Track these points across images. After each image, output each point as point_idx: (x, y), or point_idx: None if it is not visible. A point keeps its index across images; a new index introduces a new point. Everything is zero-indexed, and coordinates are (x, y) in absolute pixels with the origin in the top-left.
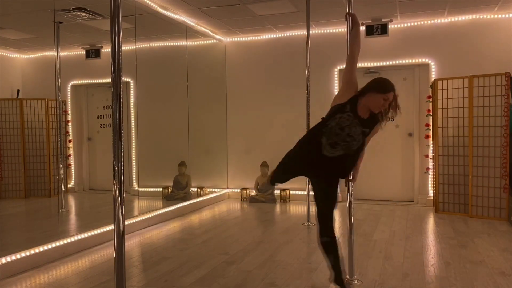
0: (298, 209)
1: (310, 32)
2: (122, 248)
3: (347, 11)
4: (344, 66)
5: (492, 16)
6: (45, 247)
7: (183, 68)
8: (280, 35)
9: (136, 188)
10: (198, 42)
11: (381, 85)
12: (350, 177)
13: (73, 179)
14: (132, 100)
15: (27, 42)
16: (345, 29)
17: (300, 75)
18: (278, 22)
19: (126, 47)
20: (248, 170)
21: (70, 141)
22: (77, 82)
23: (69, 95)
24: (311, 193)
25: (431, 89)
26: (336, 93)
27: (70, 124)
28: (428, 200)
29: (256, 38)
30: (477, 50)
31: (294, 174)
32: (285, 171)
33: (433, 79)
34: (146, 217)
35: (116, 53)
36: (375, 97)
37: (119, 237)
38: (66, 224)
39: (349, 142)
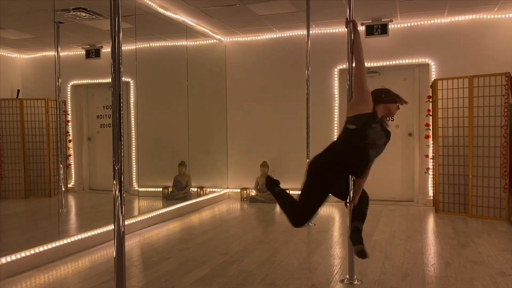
0: None
1: (310, 32)
2: (122, 248)
3: (347, 16)
4: (347, 67)
5: (492, 16)
6: (45, 247)
7: (183, 68)
8: (280, 35)
9: (136, 188)
10: (198, 42)
11: (394, 96)
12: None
13: (73, 179)
14: (132, 100)
15: (27, 42)
16: (345, 29)
17: (300, 75)
18: (278, 22)
19: (126, 47)
20: (248, 170)
21: (70, 141)
22: (77, 82)
23: (69, 95)
24: None
25: (431, 89)
26: (351, 101)
27: (70, 124)
28: (428, 200)
29: (256, 38)
30: (477, 50)
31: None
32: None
33: (433, 79)
34: (146, 217)
35: (116, 53)
36: (391, 106)
37: (119, 237)
38: (66, 224)
39: (380, 152)
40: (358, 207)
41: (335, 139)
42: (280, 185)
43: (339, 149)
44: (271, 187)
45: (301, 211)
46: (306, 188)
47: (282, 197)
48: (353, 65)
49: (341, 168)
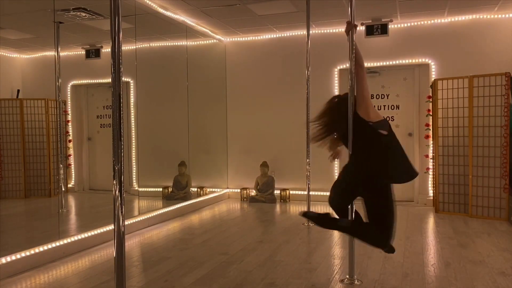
0: (298, 209)
1: (310, 32)
2: (122, 248)
3: (349, 18)
4: (347, 67)
5: (492, 16)
6: (45, 247)
7: (183, 68)
8: (280, 35)
9: (136, 188)
10: (198, 42)
11: None
12: None
13: (73, 179)
14: (132, 100)
15: (27, 42)
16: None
17: (300, 75)
18: (278, 22)
19: (126, 47)
20: (248, 170)
21: (70, 141)
22: (77, 82)
23: (69, 95)
24: (311, 193)
25: (431, 89)
26: (365, 103)
27: (70, 124)
28: (428, 200)
29: (256, 38)
30: (477, 50)
31: None
32: None
33: (433, 79)
34: (146, 217)
35: (116, 53)
36: None
37: (119, 237)
38: (66, 224)
39: None
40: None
41: (373, 148)
42: (331, 215)
43: (392, 156)
44: (329, 224)
45: (386, 228)
46: (382, 204)
47: (357, 228)
48: (354, 67)
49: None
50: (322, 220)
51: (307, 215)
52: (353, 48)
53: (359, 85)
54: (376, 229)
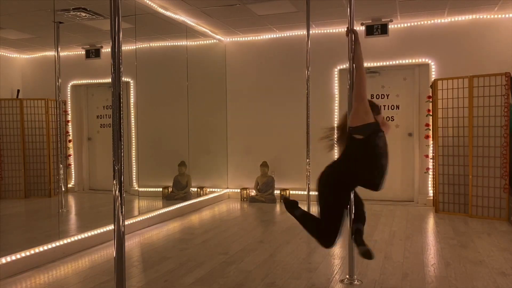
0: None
1: (310, 32)
2: (122, 248)
3: (348, 26)
4: (347, 67)
5: (492, 16)
6: (45, 247)
7: (183, 68)
8: (280, 35)
9: (136, 188)
10: (198, 42)
11: (379, 108)
12: None
13: (73, 179)
14: (132, 100)
15: (27, 42)
16: (345, 29)
17: (300, 75)
18: (278, 22)
19: (126, 47)
20: (248, 170)
21: (70, 141)
22: (77, 82)
23: (69, 95)
24: (311, 193)
25: (431, 89)
26: (353, 110)
27: (70, 124)
28: (428, 200)
29: (256, 38)
30: (477, 50)
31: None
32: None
33: (433, 79)
34: (146, 217)
35: (116, 53)
36: (380, 117)
37: (119, 237)
38: (66, 224)
39: (387, 159)
40: (357, 209)
41: (343, 151)
42: (298, 205)
43: (350, 161)
44: (291, 210)
45: (324, 230)
46: (323, 204)
47: (304, 220)
48: (354, 68)
49: (354, 181)
50: (288, 204)
51: (284, 199)
52: (353, 48)
53: (356, 84)
54: (318, 228)
